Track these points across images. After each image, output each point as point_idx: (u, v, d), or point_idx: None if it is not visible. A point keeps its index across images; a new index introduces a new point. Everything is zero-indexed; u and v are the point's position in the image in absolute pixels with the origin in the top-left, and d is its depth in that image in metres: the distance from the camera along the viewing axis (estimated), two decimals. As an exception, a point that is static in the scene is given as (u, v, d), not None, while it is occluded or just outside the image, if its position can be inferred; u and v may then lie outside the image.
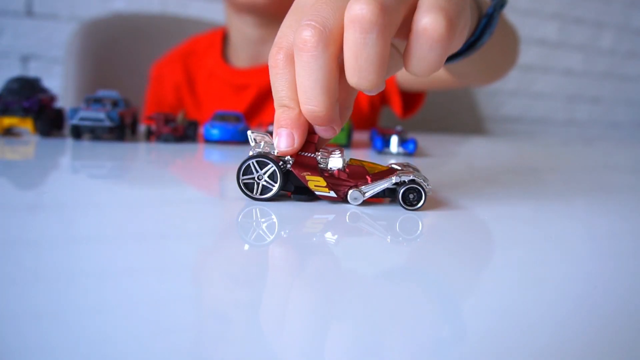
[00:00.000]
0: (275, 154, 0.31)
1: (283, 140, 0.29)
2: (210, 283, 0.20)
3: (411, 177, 0.30)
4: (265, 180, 0.31)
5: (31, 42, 1.19)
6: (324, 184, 0.31)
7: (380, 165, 0.33)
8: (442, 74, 0.72)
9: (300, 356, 0.15)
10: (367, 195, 0.31)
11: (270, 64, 0.29)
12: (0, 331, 0.15)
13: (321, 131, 0.30)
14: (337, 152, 0.32)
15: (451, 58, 0.40)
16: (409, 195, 0.30)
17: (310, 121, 0.29)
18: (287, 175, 0.31)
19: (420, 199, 0.30)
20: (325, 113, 0.28)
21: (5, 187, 0.33)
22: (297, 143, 0.29)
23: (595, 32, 1.90)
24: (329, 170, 0.31)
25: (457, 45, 0.30)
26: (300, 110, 0.29)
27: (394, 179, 0.30)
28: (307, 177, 0.31)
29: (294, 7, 0.30)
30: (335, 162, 0.31)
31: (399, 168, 0.32)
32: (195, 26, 1.13)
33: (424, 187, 0.30)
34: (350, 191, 0.31)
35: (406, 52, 0.27)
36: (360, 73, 0.26)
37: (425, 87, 0.86)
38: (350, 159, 0.33)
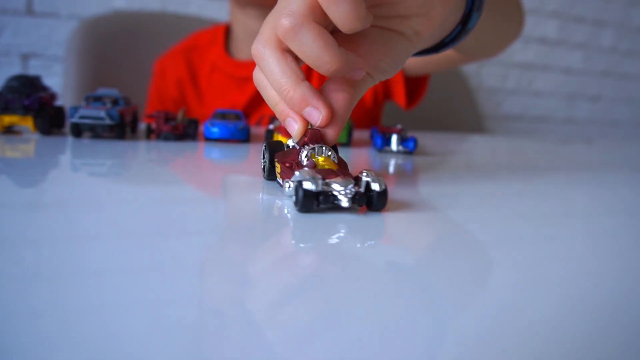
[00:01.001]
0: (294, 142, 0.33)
1: (289, 128, 0.33)
2: (211, 281, 0.20)
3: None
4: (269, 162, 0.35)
5: (31, 40, 1.19)
6: (279, 171, 0.33)
7: (338, 169, 0.31)
8: (447, 52, 0.71)
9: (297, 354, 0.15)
10: (289, 189, 0.29)
11: (254, 55, 0.33)
12: (0, 329, 0.15)
13: (352, 75, 0.32)
14: (311, 147, 0.31)
15: (465, 24, 0.40)
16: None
17: (290, 106, 0.32)
18: None
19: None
20: (340, 63, 0.30)
21: (6, 185, 0.33)
22: (299, 124, 0.32)
23: (595, 30, 1.90)
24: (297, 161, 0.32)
25: None
26: (304, 87, 0.31)
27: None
28: (276, 163, 0.34)
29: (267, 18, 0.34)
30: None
31: (352, 175, 0.30)
32: (195, 24, 1.13)
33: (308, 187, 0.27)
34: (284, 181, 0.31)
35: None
36: (318, 62, 0.30)
37: (433, 67, 0.84)
38: (324, 156, 0.31)
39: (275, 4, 0.32)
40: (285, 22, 0.30)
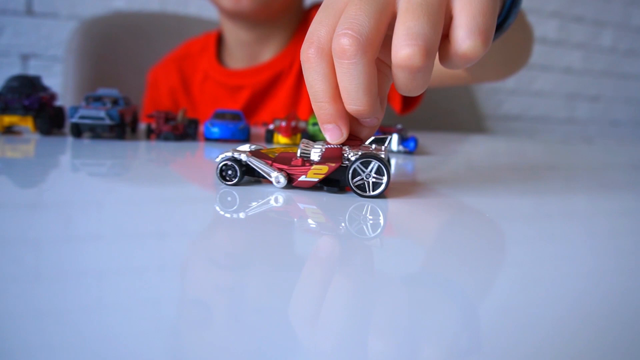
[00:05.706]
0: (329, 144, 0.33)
1: (332, 134, 0.32)
2: (212, 281, 0.20)
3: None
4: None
5: (31, 41, 1.19)
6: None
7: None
8: (456, 71, 0.70)
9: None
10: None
11: (302, 58, 0.31)
12: (1, 330, 0.15)
13: (367, 121, 0.32)
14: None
15: None
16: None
17: (355, 116, 0.31)
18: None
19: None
20: (369, 109, 0.30)
21: (6, 185, 0.33)
22: (344, 133, 0.32)
23: (595, 30, 1.90)
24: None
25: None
26: (337, 106, 0.31)
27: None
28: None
29: (324, 5, 0.32)
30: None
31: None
32: (194, 24, 1.13)
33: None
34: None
35: (394, 79, 0.29)
36: (350, 97, 0.29)
37: (436, 83, 0.83)
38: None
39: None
40: (346, 42, 0.28)
